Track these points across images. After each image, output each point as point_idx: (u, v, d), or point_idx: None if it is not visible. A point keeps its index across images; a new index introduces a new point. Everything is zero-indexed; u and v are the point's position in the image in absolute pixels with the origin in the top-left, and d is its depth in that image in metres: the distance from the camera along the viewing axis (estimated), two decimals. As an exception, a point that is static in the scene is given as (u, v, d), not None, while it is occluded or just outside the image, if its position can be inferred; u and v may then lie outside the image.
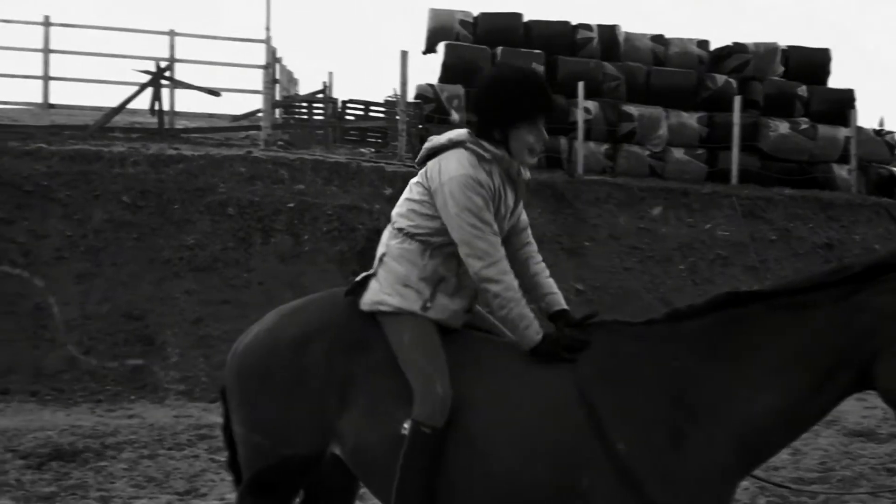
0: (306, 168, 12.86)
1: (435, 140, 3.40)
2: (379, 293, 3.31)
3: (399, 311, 3.27)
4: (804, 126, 16.72)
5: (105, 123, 14.97)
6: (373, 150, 16.51)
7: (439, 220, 3.23)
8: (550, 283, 3.52)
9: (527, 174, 3.41)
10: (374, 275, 3.38)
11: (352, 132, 18.21)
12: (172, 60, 17.87)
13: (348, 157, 14.09)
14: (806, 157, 16.67)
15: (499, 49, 16.03)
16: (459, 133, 3.34)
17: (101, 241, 11.12)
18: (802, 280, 2.98)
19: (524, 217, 3.55)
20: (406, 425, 3.12)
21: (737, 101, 15.52)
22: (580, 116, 15.01)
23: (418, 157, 3.44)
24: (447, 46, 16.03)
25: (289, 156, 13.39)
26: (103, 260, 10.96)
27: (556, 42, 16.57)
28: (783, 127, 16.60)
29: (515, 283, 3.24)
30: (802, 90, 17.16)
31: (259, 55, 19.19)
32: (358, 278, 3.46)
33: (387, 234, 3.42)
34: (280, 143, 15.55)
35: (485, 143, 3.24)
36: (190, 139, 15.34)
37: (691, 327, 3.04)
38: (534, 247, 3.59)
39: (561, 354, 3.14)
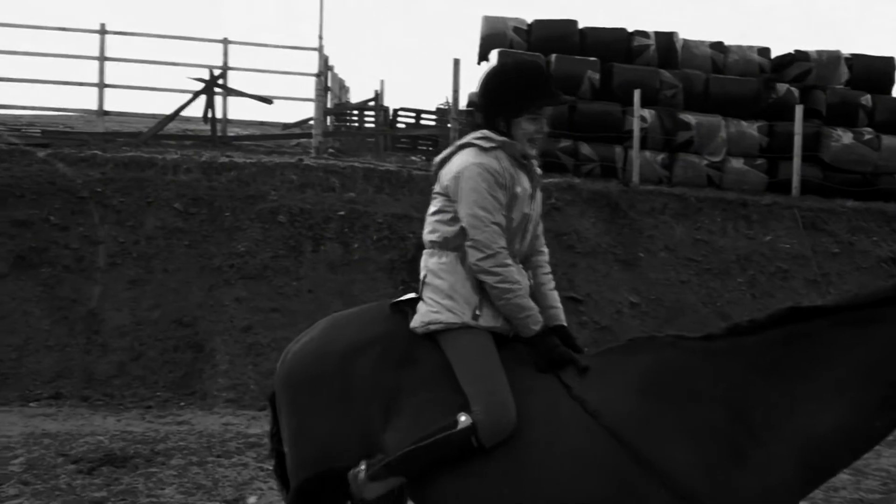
0: (357, 176, 12.81)
1: (445, 151, 3.54)
2: (429, 314, 3.33)
3: (451, 325, 3.29)
4: (868, 136, 16.26)
5: (158, 131, 15.07)
6: (424, 158, 16.42)
7: (461, 223, 3.31)
8: (553, 297, 3.60)
9: (537, 169, 3.49)
10: (420, 298, 3.42)
11: (403, 140, 18.20)
12: (226, 68, 18.02)
13: (399, 166, 14.01)
14: (870, 168, 16.20)
15: (553, 56, 15.84)
16: (464, 137, 3.46)
17: (153, 248, 11.16)
18: (866, 295, 2.89)
19: (541, 233, 3.64)
20: (463, 418, 3.09)
21: (798, 110, 15.13)
22: (636, 125, 14.74)
23: (433, 168, 3.56)
24: (500, 54, 15.86)
25: (340, 164, 13.34)
26: (155, 266, 10.99)
27: (611, 49, 16.33)
28: (846, 137, 16.16)
29: (514, 273, 3.27)
30: (866, 99, 16.71)
31: (312, 63, 19.29)
32: (404, 297, 3.50)
33: (424, 256, 3.50)
34: (331, 150, 15.54)
35: (489, 133, 3.35)
36: (242, 147, 15.41)
37: (752, 342, 2.97)
38: (545, 256, 3.65)
39: (540, 364, 3.18)
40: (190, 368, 9.98)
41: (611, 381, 3.08)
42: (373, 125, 19.13)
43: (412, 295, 3.49)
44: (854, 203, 14.66)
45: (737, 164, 15.84)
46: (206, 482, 6.64)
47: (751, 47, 17.29)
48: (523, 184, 3.37)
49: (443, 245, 3.38)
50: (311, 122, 16.67)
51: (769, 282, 13.03)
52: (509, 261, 3.26)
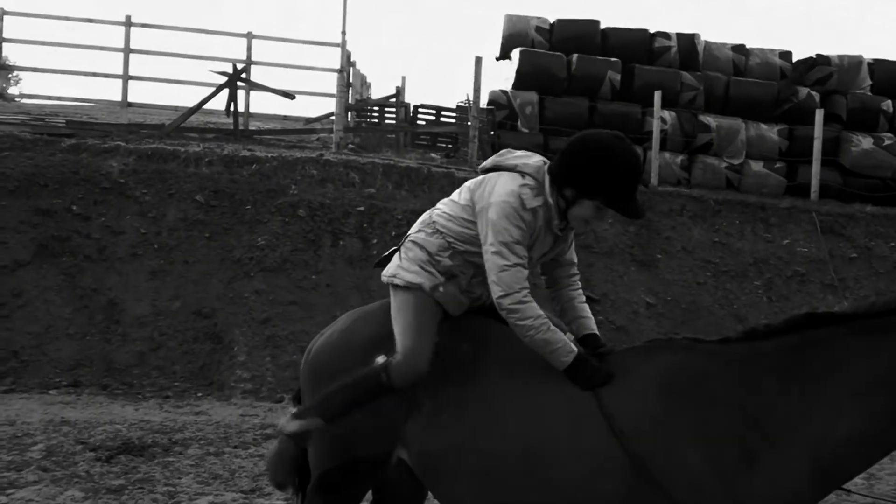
0: (377, 172, 12.87)
1: (507, 156, 3.42)
2: (397, 267, 3.45)
3: (410, 285, 3.38)
4: (888, 141, 16.20)
5: (181, 123, 15.19)
6: (443, 155, 16.46)
7: (470, 231, 3.34)
8: (584, 308, 3.57)
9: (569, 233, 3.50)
10: (398, 250, 3.53)
11: (423, 137, 18.22)
12: (249, 62, 18.15)
13: (419, 162, 14.07)
14: (889, 173, 16.13)
15: (574, 56, 15.86)
16: (532, 162, 3.35)
17: (174, 240, 11.26)
18: (883, 303, 2.87)
19: (572, 254, 3.63)
20: (380, 359, 3.26)
21: (819, 115, 15.08)
22: (656, 126, 14.73)
23: (483, 164, 3.49)
24: (522, 53, 15.90)
25: (360, 159, 13.41)
26: (175, 258, 11.09)
27: (633, 50, 16.33)
28: (866, 142, 16.10)
29: (535, 309, 3.23)
30: (887, 105, 16.63)
31: (334, 59, 19.38)
32: (387, 252, 3.61)
33: (426, 216, 3.54)
34: (351, 146, 15.61)
35: (548, 188, 3.26)
36: (263, 140, 15.50)
37: (769, 347, 2.97)
38: (576, 282, 3.63)
39: (588, 387, 3.13)
40: (208, 359, 10.08)
41: (626, 384, 3.10)
42: (393, 122, 19.17)
43: (394, 248, 3.58)
44: (872, 208, 14.60)
45: (756, 167, 15.82)
46: (223, 472, 6.70)
47: (772, 50, 17.24)
48: (543, 246, 3.39)
49: (444, 236, 3.41)
50: (333, 118, 16.74)
51: (786, 285, 13.01)
52: (529, 298, 3.23)
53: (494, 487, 3.14)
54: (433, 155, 16.56)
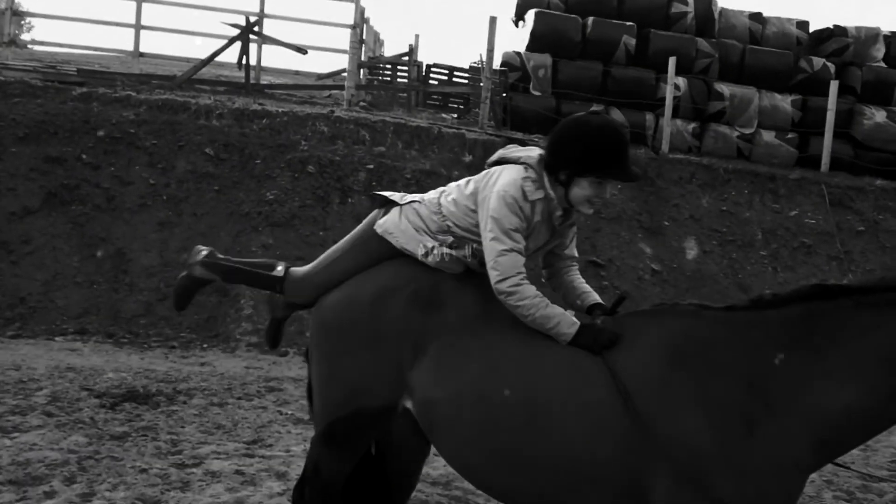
0: (387, 130, 12.84)
1: (511, 150, 3.58)
2: (395, 227, 3.62)
3: (403, 249, 3.58)
4: (902, 115, 16.06)
5: (193, 75, 15.15)
6: (455, 115, 16.41)
7: (470, 219, 3.48)
8: (584, 285, 3.71)
9: (580, 218, 3.64)
10: (400, 206, 3.67)
11: (434, 97, 18.16)
12: (262, 16, 18.03)
13: (430, 122, 14.02)
14: (902, 147, 16.02)
15: (590, 19, 15.68)
16: (534, 154, 3.48)
17: (183, 191, 11.28)
18: (892, 277, 2.89)
19: (573, 250, 3.77)
20: (279, 268, 3.90)
21: (833, 86, 14.94)
22: (669, 93, 14.61)
23: (490, 159, 3.64)
24: (537, 14, 15.73)
25: (370, 117, 13.38)
26: (184, 210, 11.12)
27: (649, 15, 16.11)
28: (879, 115, 15.94)
29: (532, 288, 3.33)
30: (903, 78, 16.46)
31: (348, 15, 19.25)
32: (387, 194, 3.80)
33: (435, 194, 3.68)
34: (363, 103, 15.56)
35: (546, 179, 3.39)
36: (274, 95, 15.46)
37: (775, 316, 2.99)
38: (575, 272, 3.77)
39: (596, 350, 3.17)
40: (215, 312, 10.15)
41: (632, 347, 3.13)
42: (405, 80, 19.09)
43: (392, 196, 3.73)
44: (882, 182, 14.52)
45: (768, 137, 15.70)
46: (226, 423, 6.79)
47: (790, 20, 17.03)
48: (538, 239, 3.51)
49: (445, 219, 3.54)
50: (345, 75, 16.67)
51: (792, 256, 13.00)
52: (526, 281, 3.34)
53: (494, 438, 3.19)
54: (444, 115, 16.52)
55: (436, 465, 5.82)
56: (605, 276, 11.71)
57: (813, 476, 6.49)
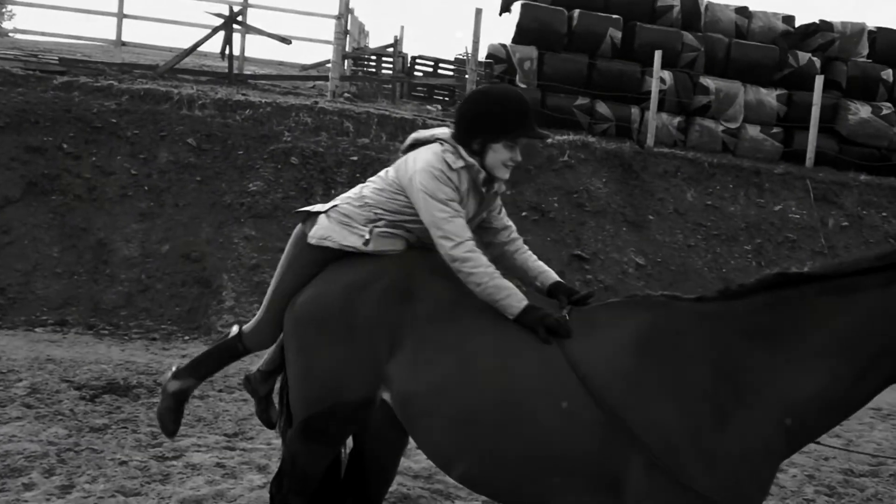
0: (371, 122, 12.78)
1: (421, 133, 3.64)
2: (327, 230, 3.60)
3: (343, 247, 3.56)
4: (886, 111, 16.10)
5: (175, 64, 15.03)
6: (440, 107, 16.35)
7: (399, 201, 3.51)
8: (540, 264, 3.72)
9: (502, 187, 3.63)
10: (325, 213, 3.65)
11: (419, 88, 18.09)
12: (246, 5, 17.93)
13: (414, 114, 13.98)
14: (886, 143, 16.07)
15: (576, 12, 15.66)
16: (443, 131, 3.58)
17: (164, 182, 11.19)
18: (850, 263, 2.95)
19: (505, 219, 3.78)
20: (234, 329, 3.93)
21: (818, 81, 14.98)
22: (655, 86, 14.59)
23: (403, 145, 3.67)
24: (523, 7, 15.69)
25: (355, 108, 13.31)
26: (166, 200, 11.03)
27: (635, 8, 16.11)
28: (864, 111, 16.01)
29: (485, 258, 3.38)
30: (887, 74, 16.51)
31: (332, 5, 19.13)
32: (308, 208, 3.78)
33: (356, 190, 3.69)
34: (347, 95, 15.48)
35: (462, 152, 3.46)
36: (258, 86, 15.36)
37: (741, 306, 3.02)
38: (519, 241, 3.78)
39: (540, 333, 3.19)
40: (196, 303, 10.07)
41: (601, 337, 3.13)
42: (390, 72, 19.02)
43: (316, 209, 3.70)
44: (867, 177, 14.57)
45: (753, 131, 15.73)
46: (207, 415, 6.74)
47: (776, 14, 17.07)
48: (468, 208, 3.52)
49: (372, 208, 3.56)
50: (329, 65, 16.58)
51: (776, 251, 13.03)
52: (477, 248, 3.38)
53: (470, 431, 3.18)
54: (429, 107, 16.46)
55: (418, 459, 5.78)
56: (589, 269, 11.69)
57: (794, 471, 6.51)
